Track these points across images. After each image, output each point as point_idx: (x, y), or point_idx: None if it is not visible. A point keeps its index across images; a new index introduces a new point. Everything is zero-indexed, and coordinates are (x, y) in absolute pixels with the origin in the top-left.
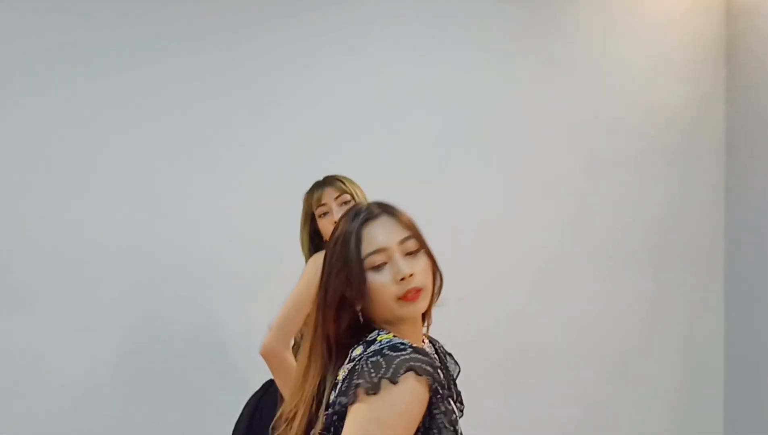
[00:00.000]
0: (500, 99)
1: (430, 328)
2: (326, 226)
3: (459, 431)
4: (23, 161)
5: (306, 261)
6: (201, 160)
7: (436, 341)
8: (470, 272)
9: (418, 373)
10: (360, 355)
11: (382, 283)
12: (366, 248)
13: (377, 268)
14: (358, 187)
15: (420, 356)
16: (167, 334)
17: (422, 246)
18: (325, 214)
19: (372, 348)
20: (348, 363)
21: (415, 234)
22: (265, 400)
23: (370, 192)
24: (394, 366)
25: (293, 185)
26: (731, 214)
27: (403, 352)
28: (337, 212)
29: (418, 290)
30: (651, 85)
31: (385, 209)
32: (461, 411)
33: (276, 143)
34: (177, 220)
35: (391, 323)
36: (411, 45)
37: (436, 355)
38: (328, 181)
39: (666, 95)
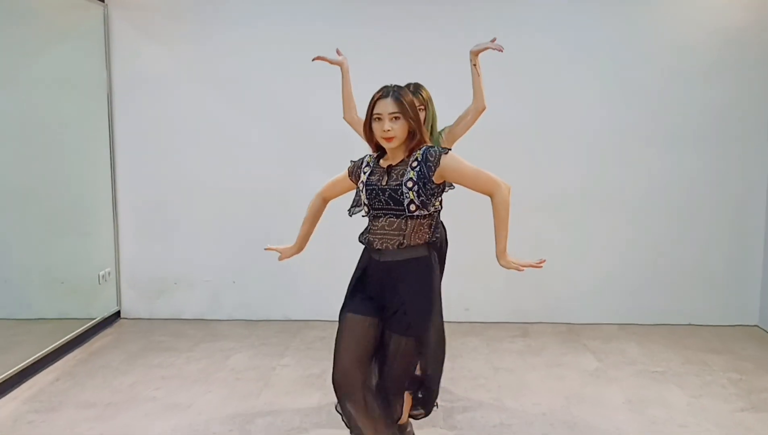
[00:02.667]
0: (602, 30)
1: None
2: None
3: (369, 193)
4: None
5: None
6: None
7: (426, 150)
8: (586, 151)
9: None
10: None
11: (377, 127)
12: (374, 110)
13: (377, 120)
14: (425, 93)
15: (355, 161)
16: None
17: (404, 116)
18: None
19: None
20: None
21: (401, 110)
22: None
23: (510, 88)
24: None
25: None
26: None
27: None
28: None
29: (390, 138)
30: (715, 14)
31: (394, 93)
32: (381, 183)
33: None
34: None
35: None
36: None
37: (367, 159)
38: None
39: (728, 21)
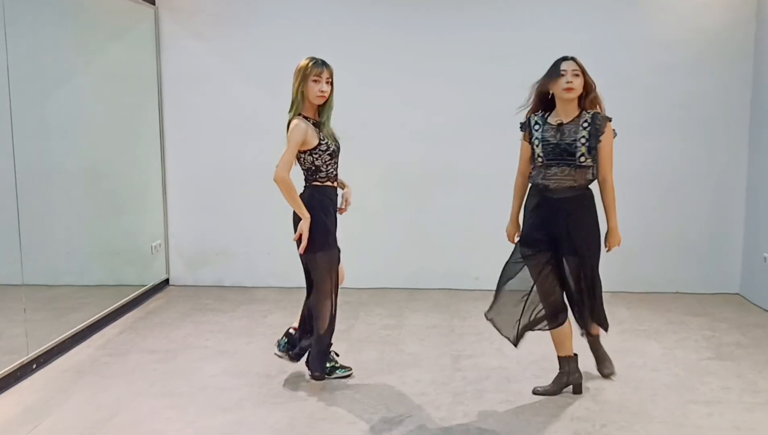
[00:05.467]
0: (599, 29)
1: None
2: (313, 89)
3: (545, 147)
4: None
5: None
6: None
7: (595, 115)
8: None
9: None
10: None
11: (561, 81)
12: (561, 67)
13: (563, 75)
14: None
15: (523, 122)
16: None
17: (583, 75)
18: (316, 81)
19: None
20: None
21: (582, 69)
22: None
23: (518, 83)
24: None
25: None
26: (756, 94)
27: None
28: (324, 86)
29: (571, 89)
30: (699, 14)
31: (573, 58)
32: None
33: None
34: None
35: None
36: None
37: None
38: (327, 65)
39: (710, 20)
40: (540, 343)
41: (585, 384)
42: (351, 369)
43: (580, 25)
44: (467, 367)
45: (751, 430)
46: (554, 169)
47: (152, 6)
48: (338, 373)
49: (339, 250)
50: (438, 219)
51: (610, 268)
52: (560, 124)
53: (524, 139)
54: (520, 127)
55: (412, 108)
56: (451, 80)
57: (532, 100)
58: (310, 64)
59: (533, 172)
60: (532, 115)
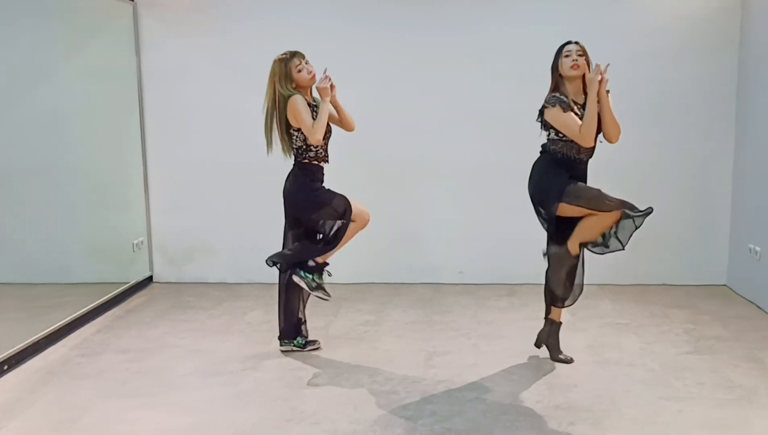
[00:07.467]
0: (576, 16)
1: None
2: (304, 77)
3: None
4: None
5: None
6: None
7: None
8: None
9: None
10: None
11: (566, 61)
12: (565, 49)
13: (566, 57)
14: None
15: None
16: None
17: (585, 55)
18: (300, 70)
19: None
20: None
21: (584, 51)
22: None
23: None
24: None
25: None
26: (741, 82)
27: None
28: (308, 68)
29: (578, 66)
30: (683, 1)
31: (570, 42)
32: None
33: None
34: None
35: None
36: None
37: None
38: (299, 54)
39: (694, 7)
40: (517, 341)
41: (558, 381)
42: (318, 341)
43: (559, 14)
44: (441, 364)
45: (719, 427)
46: None
47: (130, 1)
48: (310, 346)
49: (338, 198)
50: (422, 214)
51: (596, 259)
52: (584, 105)
53: (568, 112)
54: (563, 103)
55: (395, 104)
56: (436, 77)
57: (552, 83)
58: (288, 56)
59: (558, 145)
60: (561, 95)
